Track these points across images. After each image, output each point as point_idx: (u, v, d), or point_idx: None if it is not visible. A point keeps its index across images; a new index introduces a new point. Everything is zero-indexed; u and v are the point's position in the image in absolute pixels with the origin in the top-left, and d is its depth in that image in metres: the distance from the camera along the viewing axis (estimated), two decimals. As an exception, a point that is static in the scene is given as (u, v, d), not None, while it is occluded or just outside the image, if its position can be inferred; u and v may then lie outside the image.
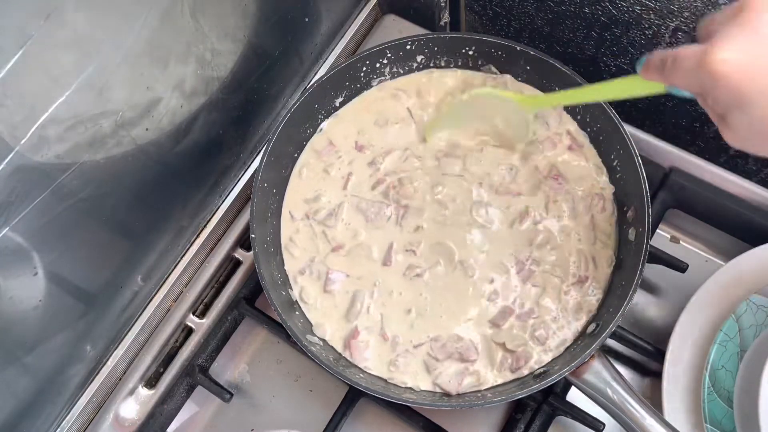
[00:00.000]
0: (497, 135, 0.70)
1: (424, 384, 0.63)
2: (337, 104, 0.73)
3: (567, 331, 0.64)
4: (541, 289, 0.65)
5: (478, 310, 0.65)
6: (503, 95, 0.66)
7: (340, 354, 0.65)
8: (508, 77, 0.72)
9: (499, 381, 0.63)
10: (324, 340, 0.65)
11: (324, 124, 0.73)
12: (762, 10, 0.38)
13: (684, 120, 0.79)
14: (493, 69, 0.73)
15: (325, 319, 0.66)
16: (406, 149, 0.72)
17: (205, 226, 0.72)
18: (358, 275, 0.67)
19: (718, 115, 0.42)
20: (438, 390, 0.63)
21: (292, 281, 0.68)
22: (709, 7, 0.63)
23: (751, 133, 0.41)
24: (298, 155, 0.72)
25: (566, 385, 0.67)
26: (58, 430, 0.65)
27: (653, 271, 0.73)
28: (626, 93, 0.53)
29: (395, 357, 0.64)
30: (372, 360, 0.64)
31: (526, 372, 0.62)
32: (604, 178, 0.69)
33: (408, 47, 0.72)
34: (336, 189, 0.71)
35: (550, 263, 0.66)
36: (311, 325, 0.66)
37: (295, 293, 0.67)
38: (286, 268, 0.68)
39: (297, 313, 0.66)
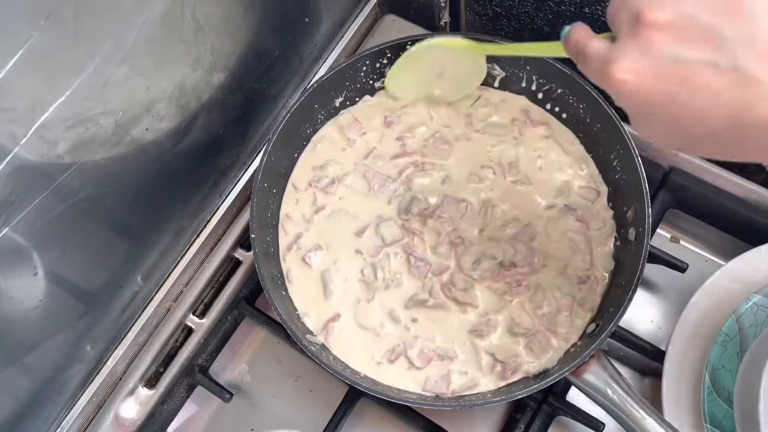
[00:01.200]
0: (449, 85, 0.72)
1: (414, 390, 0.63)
2: (337, 104, 0.73)
3: (562, 341, 0.64)
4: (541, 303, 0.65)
5: (457, 321, 0.65)
6: (450, 43, 0.67)
7: (320, 341, 0.65)
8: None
9: (491, 387, 0.62)
10: (310, 331, 0.65)
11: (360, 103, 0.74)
12: (654, 28, 0.37)
13: (684, 120, 0.79)
14: (497, 68, 0.73)
15: (307, 303, 0.66)
16: (436, 132, 0.72)
17: (205, 226, 0.72)
18: (327, 242, 0.68)
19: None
20: (430, 394, 0.63)
21: (281, 260, 0.68)
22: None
23: (657, 134, 0.41)
24: (299, 155, 0.72)
25: (566, 385, 0.67)
26: (58, 430, 0.65)
27: (653, 271, 0.73)
28: (551, 53, 0.57)
29: (379, 359, 0.64)
30: (354, 353, 0.64)
31: (514, 380, 0.62)
32: (592, 169, 0.70)
33: (408, 47, 0.72)
34: (352, 159, 0.72)
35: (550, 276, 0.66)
36: (298, 312, 0.66)
37: (284, 272, 0.68)
38: (279, 247, 0.69)
39: (290, 308, 0.66)
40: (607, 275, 0.66)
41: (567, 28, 0.47)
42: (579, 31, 0.45)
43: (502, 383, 0.62)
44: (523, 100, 0.74)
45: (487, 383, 0.62)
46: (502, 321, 0.64)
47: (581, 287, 0.65)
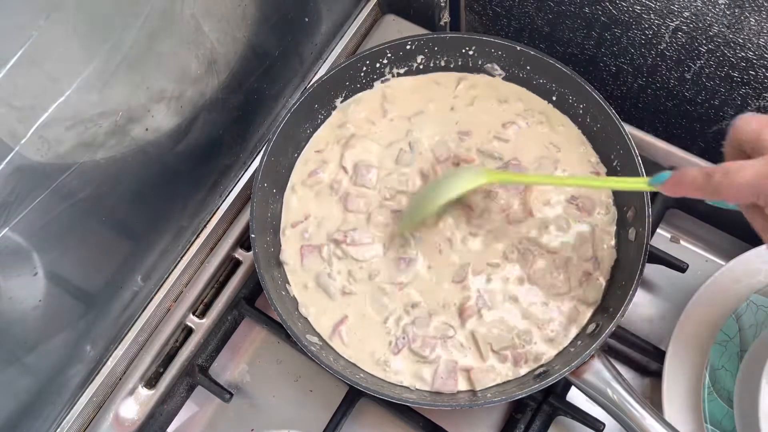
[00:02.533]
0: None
1: (424, 386, 0.63)
2: (337, 104, 0.73)
3: (561, 331, 0.64)
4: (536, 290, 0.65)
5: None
6: (470, 187, 0.62)
7: (322, 338, 0.65)
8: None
9: (497, 366, 0.63)
10: (312, 332, 0.65)
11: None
12: None
13: (684, 120, 0.79)
14: (496, 67, 0.73)
15: (304, 292, 0.67)
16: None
17: (205, 226, 0.72)
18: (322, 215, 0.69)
19: None
20: (437, 392, 0.63)
21: (281, 234, 0.69)
22: (709, 7, 0.63)
23: None
24: (298, 155, 0.72)
25: (566, 385, 0.67)
26: (58, 430, 0.65)
27: (653, 271, 0.73)
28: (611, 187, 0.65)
29: (384, 357, 0.64)
30: (359, 351, 0.65)
31: (522, 363, 0.63)
32: (589, 149, 0.70)
33: (408, 47, 0.72)
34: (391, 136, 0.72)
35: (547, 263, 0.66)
36: (297, 302, 0.66)
37: (283, 248, 0.68)
38: (281, 216, 0.70)
39: (290, 308, 0.66)
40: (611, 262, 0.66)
41: (663, 174, 0.48)
42: (695, 170, 0.46)
43: (524, 371, 0.63)
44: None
45: (506, 372, 0.63)
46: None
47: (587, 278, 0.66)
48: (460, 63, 0.73)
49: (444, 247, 0.67)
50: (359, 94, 0.74)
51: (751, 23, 0.62)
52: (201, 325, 0.71)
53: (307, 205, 0.70)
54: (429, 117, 0.72)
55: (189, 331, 0.72)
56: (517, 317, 0.64)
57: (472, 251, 0.66)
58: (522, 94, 0.73)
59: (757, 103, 0.70)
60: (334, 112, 0.73)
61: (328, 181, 0.70)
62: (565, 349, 0.63)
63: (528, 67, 0.71)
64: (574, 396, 0.67)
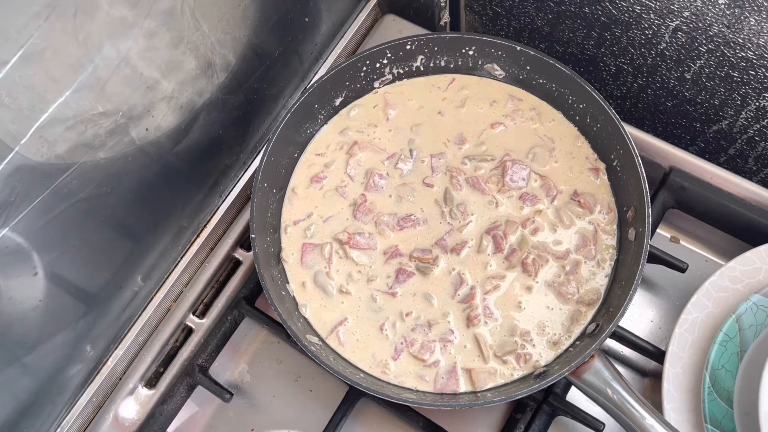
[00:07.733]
0: None
1: (425, 387, 0.63)
2: (337, 104, 0.73)
3: (563, 336, 0.64)
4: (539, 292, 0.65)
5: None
6: None
7: (321, 337, 0.65)
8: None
9: (498, 367, 0.63)
10: (314, 330, 0.65)
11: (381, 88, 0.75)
12: None
13: (684, 120, 0.79)
14: (496, 67, 0.73)
15: (302, 291, 0.67)
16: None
17: (205, 226, 0.72)
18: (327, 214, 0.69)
19: None
20: (440, 393, 0.63)
21: (283, 231, 0.69)
22: (709, 7, 0.64)
23: None
24: (299, 156, 0.72)
25: (566, 385, 0.67)
26: (58, 430, 0.65)
27: (653, 271, 0.73)
28: None
29: (385, 359, 0.64)
30: (357, 353, 0.65)
31: (522, 364, 0.63)
32: (585, 145, 0.70)
33: (408, 47, 0.72)
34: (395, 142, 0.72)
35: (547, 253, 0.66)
36: (297, 302, 0.66)
37: (283, 245, 0.68)
38: (282, 216, 0.70)
39: (291, 307, 0.66)
40: (613, 255, 0.66)
41: None
42: None
43: (524, 371, 0.62)
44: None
45: (508, 373, 0.63)
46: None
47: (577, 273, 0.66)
48: (460, 63, 0.73)
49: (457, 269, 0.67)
50: (360, 100, 0.74)
51: (751, 23, 0.62)
52: (201, 325, 0.71)
53: (310, 204, 0.70)
54: (427, 123, 0.73)
55: (189, 331, 0.72)
56: (521, 322, 0.64)
57: (484, 271, 0.67)
58: (514, 92, 0.73)
59: (757, 103, 0.70)
60: (334, 117, 0.73)
61: (333, 186, 0.70)
62: (565, 349, 0.63)
63: (528, 67, 0.71)
64: (574, 396, 0.67)
